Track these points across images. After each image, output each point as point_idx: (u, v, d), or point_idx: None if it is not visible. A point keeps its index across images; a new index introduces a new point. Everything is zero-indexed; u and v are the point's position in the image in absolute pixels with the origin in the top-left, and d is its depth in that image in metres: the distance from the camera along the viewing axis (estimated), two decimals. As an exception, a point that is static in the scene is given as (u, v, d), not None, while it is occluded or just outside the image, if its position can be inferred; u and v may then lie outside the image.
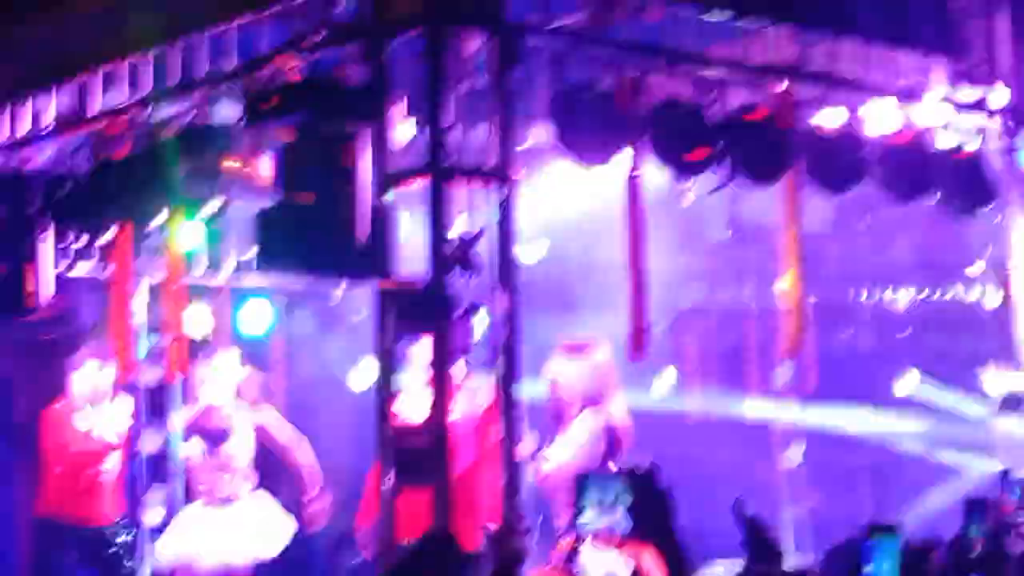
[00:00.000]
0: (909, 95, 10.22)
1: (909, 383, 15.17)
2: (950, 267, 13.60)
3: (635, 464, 8.23)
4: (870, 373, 14.80)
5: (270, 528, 10.53)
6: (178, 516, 10.46)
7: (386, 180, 8.65)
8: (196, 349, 11.36)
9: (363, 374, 13.99)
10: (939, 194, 10.13)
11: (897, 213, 11.47)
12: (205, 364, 10.78)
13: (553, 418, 9.98)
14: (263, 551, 10.53)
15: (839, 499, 13.76)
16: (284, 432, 10.95)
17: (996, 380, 11.15)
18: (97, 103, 10.19)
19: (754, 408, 14.27)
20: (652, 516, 5.45)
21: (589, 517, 8.22)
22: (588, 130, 9.13)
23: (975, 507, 8.78)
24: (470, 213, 10.26)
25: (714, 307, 14.98)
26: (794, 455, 13.81)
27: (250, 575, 10.58)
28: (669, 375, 13.79)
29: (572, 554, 8.35)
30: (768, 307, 13.94)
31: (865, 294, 15.02)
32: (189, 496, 10.54)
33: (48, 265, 10.71)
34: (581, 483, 8.40)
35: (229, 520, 10.42)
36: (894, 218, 12.16)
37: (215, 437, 10.47)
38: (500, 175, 9.03)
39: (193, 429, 10.57)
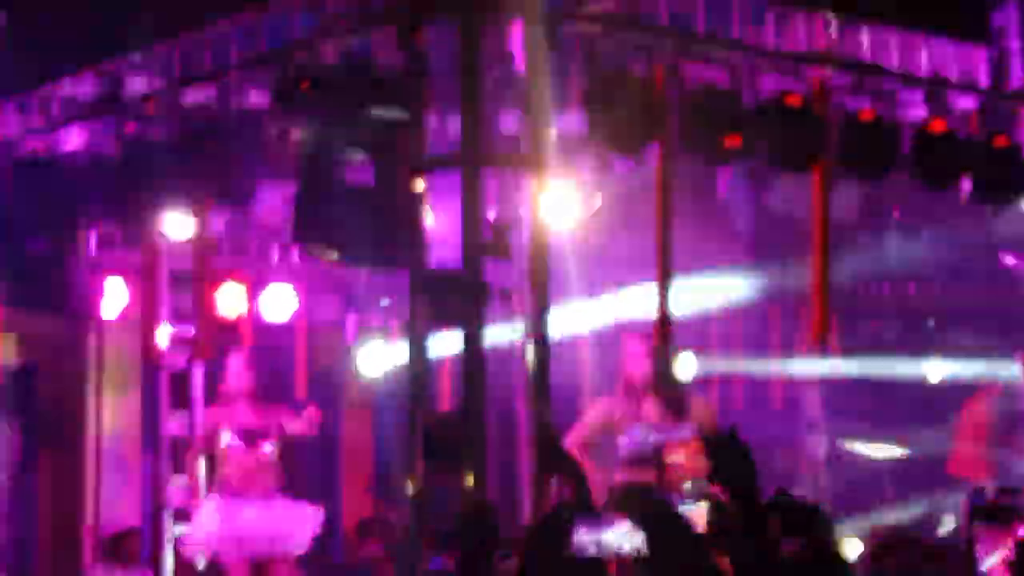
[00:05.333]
0: (944, 83, 10.14)
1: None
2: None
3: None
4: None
5: (302, 524, 10.49)
6: (208, 505, 10.38)
7: (421, 167, 8.61)
8: (223, 337, 11.28)
9: (372, 357, 13.74)
10: (973, 183, 10.03)
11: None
12: (236, 354, 10.62)
13: None
14: (296, 546, 10.50)
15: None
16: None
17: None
18: (129, 88, 10.11)
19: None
20: (737, 475, 5.39)
21: None
22: (621, 118, 9.06)
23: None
24: (500, 202, 10.24)
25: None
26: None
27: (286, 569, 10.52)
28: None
29: None
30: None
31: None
32: (218, 487, 10.45)
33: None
34: None
35: (265, 514, 10.37)
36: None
37: (252, 433, 10.41)
38: (533, 164, 8.98)
39: (227, 423, 10.43)
